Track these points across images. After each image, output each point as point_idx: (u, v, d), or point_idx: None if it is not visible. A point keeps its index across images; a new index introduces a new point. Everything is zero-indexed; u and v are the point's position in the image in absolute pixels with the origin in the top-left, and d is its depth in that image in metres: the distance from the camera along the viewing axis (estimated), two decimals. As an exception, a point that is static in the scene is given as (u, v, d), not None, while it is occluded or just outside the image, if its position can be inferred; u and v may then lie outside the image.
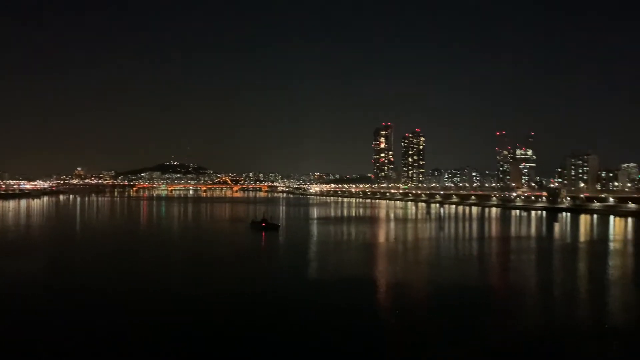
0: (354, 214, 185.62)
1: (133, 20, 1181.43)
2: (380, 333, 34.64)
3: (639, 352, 30.92)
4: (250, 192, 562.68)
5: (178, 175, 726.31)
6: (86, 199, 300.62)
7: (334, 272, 57.58)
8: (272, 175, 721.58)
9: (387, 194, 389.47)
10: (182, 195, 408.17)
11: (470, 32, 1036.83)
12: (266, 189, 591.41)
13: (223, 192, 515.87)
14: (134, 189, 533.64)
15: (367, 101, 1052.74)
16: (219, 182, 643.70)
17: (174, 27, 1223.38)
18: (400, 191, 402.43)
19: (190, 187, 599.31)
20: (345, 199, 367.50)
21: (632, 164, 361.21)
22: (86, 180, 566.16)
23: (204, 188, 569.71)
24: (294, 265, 62.36)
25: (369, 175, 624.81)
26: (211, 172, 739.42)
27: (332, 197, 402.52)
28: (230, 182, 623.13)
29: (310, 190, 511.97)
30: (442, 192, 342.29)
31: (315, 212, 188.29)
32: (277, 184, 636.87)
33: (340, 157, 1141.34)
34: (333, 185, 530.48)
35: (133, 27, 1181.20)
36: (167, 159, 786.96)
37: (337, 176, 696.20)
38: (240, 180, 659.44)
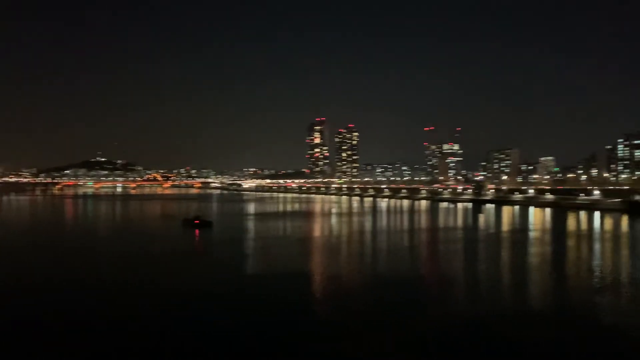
0: (289, 209, 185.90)
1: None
2: (312, 324, 35.09)
3: (560, 335, 33.11)
4: (182, 188, 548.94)
5: (105, 172, 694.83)
6: (3, 198, 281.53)
7: (269, 267, 57.53)
8: (205, 171, 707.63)
9: (322, 189, 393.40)
10: (110, 193, 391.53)
11: (398, 27, 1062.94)
12: (199, 185, 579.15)
13: (154, 189, 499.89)
14: (58, 187, 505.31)
15: (302, 96, 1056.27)
16: (148, 179, 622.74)
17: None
18: (335, 186, 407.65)
19: (119, 185, 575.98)
20: (281, 194, 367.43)
21: (549, 158, 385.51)
22: (4, 179, 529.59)
23: (133, 185, 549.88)
24: (228, 262, 61.69)
25: (304, 170, 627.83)
26: (140, 168, 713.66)
27: (267, 193, 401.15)
28: (160, 179, 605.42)
29: (245, 186, 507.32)
30: (375, 186, 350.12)
31: (250, 208, 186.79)
32: (211, 180, 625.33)
33: (275, 152, 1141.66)
34: (268, 181, 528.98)
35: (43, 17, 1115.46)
36: (93, 155, 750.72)
37: (273, 171, 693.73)
38: (172, 177, 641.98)
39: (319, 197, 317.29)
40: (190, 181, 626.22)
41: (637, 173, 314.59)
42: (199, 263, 61.82)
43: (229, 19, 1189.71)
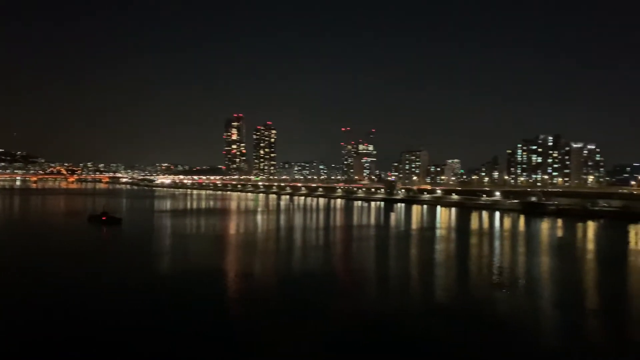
0: (204, 206, 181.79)
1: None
2: (224, 321, 34.62)
3: (462, 326, 35.02)
4: (89, 183, 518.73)
5: (2, 164, 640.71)
6: None
7: (179, 265, 56.00)
8: (114, 165, 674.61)
9: (239, 186, 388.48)
10: (7, 187, 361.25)
11: (318, 26, 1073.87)
12: (107, 180, 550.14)
13: (57, 184, 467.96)
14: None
15: (219, 92, 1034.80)
16: (52, 172, 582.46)
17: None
18: (252, 183, 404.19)
19: (18, 178, 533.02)
20: (195, 191, 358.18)
21: (455, 160, 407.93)
22: None
23: (34, 179, 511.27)
24: (137, 260, 59.21)
25: (220, 166, 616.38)
26: (43, 161, 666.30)
27: (180, 189, 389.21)
28: (65, 173, 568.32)
29: (157, 182, 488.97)
30: (292, 184, 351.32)
31: (162, 205, 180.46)
32: (120, 175, 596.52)
33: (190, 148, 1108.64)
34: (182, 177, 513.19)
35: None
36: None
37: (187, 167, 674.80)
38: (78, 171, 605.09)
39: (235, 194, 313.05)
40: (98, 175, 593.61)
41: (533, 176, 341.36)
42: (103, 261, 58.70)
43: (140, 10, 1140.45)
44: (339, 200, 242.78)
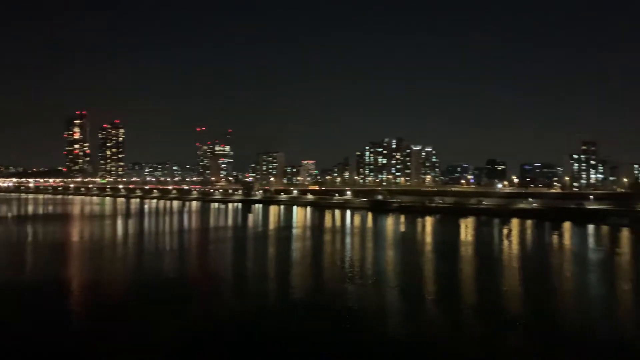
0: (41, 212, 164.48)
1: None
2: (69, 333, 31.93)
3: (316, 320, 36.39)
4: None
5: None
6: None
7: (10, 277, 50.08)
8: None
9: (82, 189, 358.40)
10: None
11: (164, 21, 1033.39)
12: None
13: None
14: None
15: (59, 87, 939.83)
16: None
17: None
18: (97, 186, 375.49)
19: None
20: (31, 195, 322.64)
21: (310, 161, 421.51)
22: None
23: None
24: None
25: (60, 168, 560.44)
26: None
27: (13, 193, 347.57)
28: None
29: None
30: (142, 187, 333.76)
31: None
32: None
33: (23, 148, 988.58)
34: (15, 180, 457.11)
35: None
36: None
37: (20, 169, 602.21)
38: None
39: (78, 198, 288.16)
40: None
41: (379, 176, 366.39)
42: None
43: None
44: (194, 203, 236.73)
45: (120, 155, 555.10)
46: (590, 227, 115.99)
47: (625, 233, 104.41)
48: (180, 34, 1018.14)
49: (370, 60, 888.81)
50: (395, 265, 61.60)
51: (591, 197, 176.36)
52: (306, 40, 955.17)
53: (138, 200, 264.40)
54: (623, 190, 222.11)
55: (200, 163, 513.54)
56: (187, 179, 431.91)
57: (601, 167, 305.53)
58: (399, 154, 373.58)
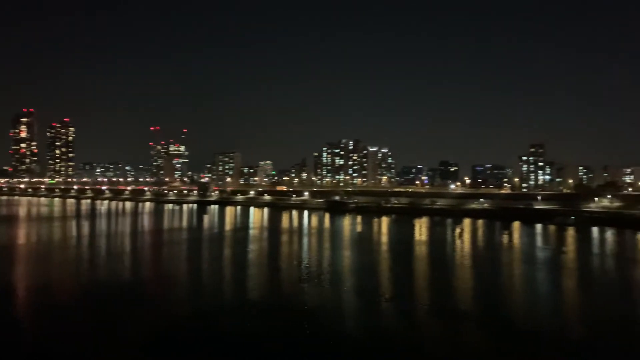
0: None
1: None
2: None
3: (272, 319, 36.30)
4: None
5: None
6: None
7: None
8: None
9: (29, 190, 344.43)
10: None
11: (127, 24, 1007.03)
12: None
13: None
14: None
15: (4, 84, 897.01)
16: None
17: None
18: (46, 186, 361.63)
19: None
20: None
21: (268, 162, 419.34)
22: None
23: None
24: None
25: (6, 168, 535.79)
26: None
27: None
28: None
29: None
30: (94, 187, 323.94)
31: None
32: None
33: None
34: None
35: None
36: None
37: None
38: None
39: (24, 199, 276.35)
40: None
41: (337, 177, 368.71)
42: None
43: None
44: (147, 204, 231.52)
45: (70, 155, 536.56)
46: (538, 227, 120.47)
47: (570, 232, 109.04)
48: (135, 31, 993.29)
49: (329, 61, 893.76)
50: (351, 265, 62.14)
51: (539, 197, 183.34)
52: (262, 42, 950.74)
53: (89, 201, 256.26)
54: (569, 191, 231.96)
55: (154, 163, 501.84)
56: (140, 180, 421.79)
57: (548, 169, 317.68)
58: (355, 155, 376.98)
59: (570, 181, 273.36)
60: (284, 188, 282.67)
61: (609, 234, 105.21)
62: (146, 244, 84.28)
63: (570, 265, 66.36)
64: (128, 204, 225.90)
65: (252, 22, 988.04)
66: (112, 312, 38.00)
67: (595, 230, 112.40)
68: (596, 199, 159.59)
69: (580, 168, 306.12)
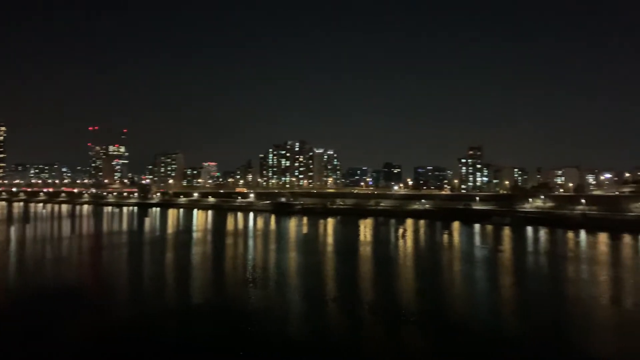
0: None
1: None
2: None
3: (212, 323, 35.79)
4: None
5: None
6: None
7: None
8: None
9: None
10: None
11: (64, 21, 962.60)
12: None
13: None
14: None
15: None
16: None
17: None
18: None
19: None
20: None
21: (212, 163, 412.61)
22: None
23: None
24: None
25: None
26: None
27: None
28: None
29: None
30: (27, 189, 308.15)
31: None
32: None
33: None
34: None
35: None
36: None
37: None
38: None
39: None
40: None
41: (283, 178, 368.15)
42: None
43: None
44: (86, 206, 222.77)
45: (1, 156, 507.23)
46: (476, 226, 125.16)
47: (506, 231, 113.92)
48: (72, 28, 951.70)
49: (275, 62, 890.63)
50: (296, 267, 62.24)
51: (477, 198, 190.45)
52: (200, 41, 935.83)
53: (22, 204, 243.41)
54: (505, 192, 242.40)
55: (93, 164, 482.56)
56: (78, 182, 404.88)
57: (486, 171, 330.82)
58: (301, 156, 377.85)
59: (506, 182, 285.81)
60: (243, 190, 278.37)
61: (542, 233, 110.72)
62: (81, 248, 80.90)
63: (506, 263, 69.33)
64: (65, 207, 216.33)
65: (159, 20, 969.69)
66: (34, 324, 36.14)
67: (529, 229, 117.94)
68: (530, 199, 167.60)
69: (516, 170, 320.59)
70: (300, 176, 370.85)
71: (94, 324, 35.47)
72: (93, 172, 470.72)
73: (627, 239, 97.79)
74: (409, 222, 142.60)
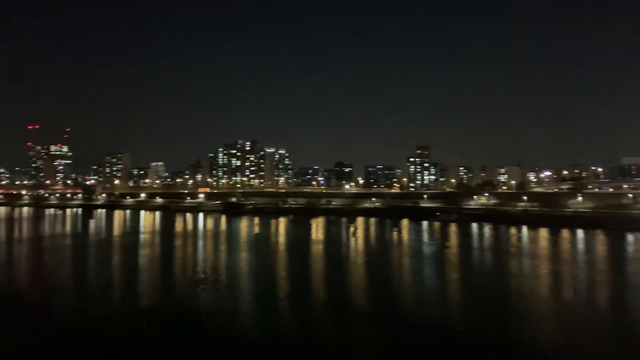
0: None
1: None
2: None
3: (161, 325, 35.03)
4: None
5: None
6: None
7: None
8: None
9: None
10: None
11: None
12: None
13: None
14: None
15: None
16: None
17: None
18: None
19: None
20: None
21: (160, 163, 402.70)
22: None
23: None
24: None
25: None
26: None
27: None
28: None
29: None
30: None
31: None
32: None
33: None
34: None
35: None
36: None
37: None
38: None
39: None
40: None
41: (233, 178, 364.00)
42: None
43: None
44: (25, 209, 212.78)
45: None
46: (424, 223, 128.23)
47: (453, 228, 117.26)
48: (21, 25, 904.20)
49: (227, 61, 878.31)
50: (247, 267, 61.80)
51: (425, 196, 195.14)
52: (162, 41, 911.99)
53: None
54: (451, 190, 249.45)
55: (33, 165, 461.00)
56: (17, 183, 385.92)
57: (433, 169, 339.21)
58: (252, 156, 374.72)
59: (453, 180, 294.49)
60: (207, 190, 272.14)
61: (487, 229, 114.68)
62: (20, 252, 77.17)
63: (453, 259, 71.37)
64: (3, 209, 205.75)
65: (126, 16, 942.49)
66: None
67: (475, 225, 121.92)
68: (475, 197, 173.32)
69: (461, 168, 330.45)
70: (252, 176, 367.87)
71: (30, 332, 33.99)
72: (34, 172, 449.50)
73: (565, 234, 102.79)
74: (360, 220, 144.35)
